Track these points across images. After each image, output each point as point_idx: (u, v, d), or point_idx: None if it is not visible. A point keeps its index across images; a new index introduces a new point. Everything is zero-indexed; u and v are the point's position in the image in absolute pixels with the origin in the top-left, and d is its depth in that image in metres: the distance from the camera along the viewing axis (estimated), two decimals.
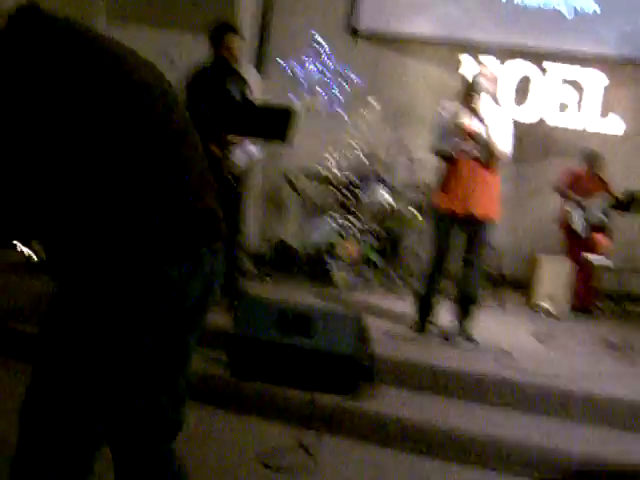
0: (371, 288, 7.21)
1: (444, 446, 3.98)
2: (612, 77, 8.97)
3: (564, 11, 9.01)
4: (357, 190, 7.66)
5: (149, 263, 1.81)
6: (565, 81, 9.06)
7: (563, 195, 7.84)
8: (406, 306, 5.92)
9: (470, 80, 5.43)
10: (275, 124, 5.34)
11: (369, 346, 4.50)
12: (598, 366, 5.11)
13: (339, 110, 8.61)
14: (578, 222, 7.65)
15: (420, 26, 9.11)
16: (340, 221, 7.48)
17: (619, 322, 7.15)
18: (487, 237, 5.50)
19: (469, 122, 5.35)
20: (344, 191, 7.67)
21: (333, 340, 4.21)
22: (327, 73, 8.58)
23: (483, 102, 5.33)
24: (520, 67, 9.09)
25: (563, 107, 9.04)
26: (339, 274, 7.24)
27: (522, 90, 9.09)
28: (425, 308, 5.56)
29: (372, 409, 4.20)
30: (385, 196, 7.59)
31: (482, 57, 8.98)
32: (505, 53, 9.04)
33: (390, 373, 4.59)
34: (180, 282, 1.86)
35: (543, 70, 9.08)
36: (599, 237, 7.62)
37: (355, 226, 7.44)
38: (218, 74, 5.38)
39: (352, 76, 8.69)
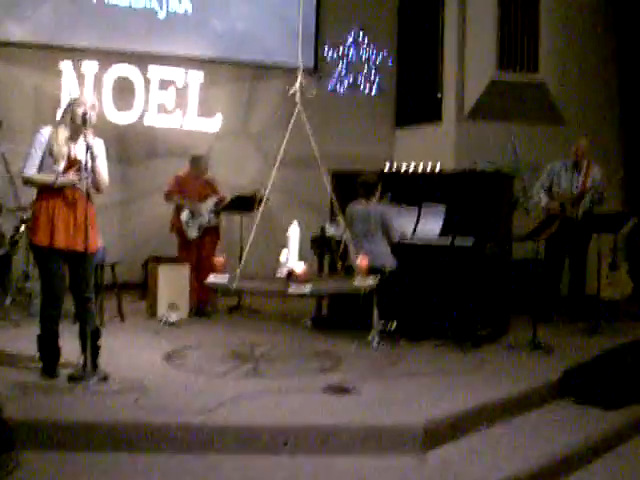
0: None
1: None
2: (208, 76, 9.18)
3: (158, 12, 9.01)
4: None
5: None
6: (164, 82, 9.10)
7: (173, 201, 7.80)
8: (29, 341, 5.39)
9: (76, 111, 5.04)
10: None
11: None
12: (237, 388, 5.06)
13: None
14: (192, 228, 7.69)
15: (14, 30, 8.54)
16: None
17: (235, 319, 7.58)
18: (93, 266, 5.29)
19: (72, 150, 5.06)
20: None
21: None
22: None
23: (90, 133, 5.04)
24: (121, 70, 8.94)
25: (163, 107, 9.06)
26: None
27: (123, 92, 8.88)
28: (50, 352, 5.17)
29: None
30: None
31: (84, 62, 8.68)
32: (105, 57, 8.83)
33: (31, 436, 4.17)
34: None
35: (143, 72, 9.00)
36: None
37: None
38: None
39: None
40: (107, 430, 4.29)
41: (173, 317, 7.11)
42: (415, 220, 6.90)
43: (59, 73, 8.61)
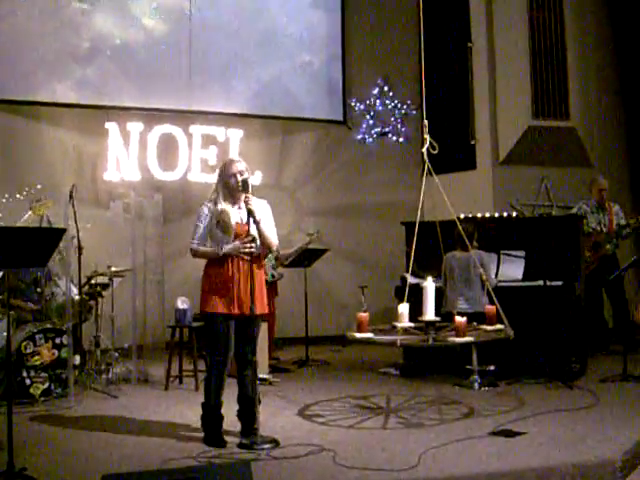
0: (82, 393, 6.53)
1: None
2: (246, 131, 9.29)
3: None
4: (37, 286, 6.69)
5: None
6: (204, 138, 9.16)
7: None
8: (132, 407, 5.61)
9: (229, 179, 5.14)
10: None
11: None
12: (411, 440, 5.11)
13: None
14: None
15: (57, 91, 8.54)
16: (23, 325, 6.44)
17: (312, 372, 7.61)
18: (259, 329, 5.33)
19: (239, 219, 5.13)
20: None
21: None
22: None
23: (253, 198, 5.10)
24: (164, 130, 8.94)
25: (204, 163, 9.05)
26: (36, 385, 6.23)
27: (167, 152, 8.87)
28: (217, 419, 5.11)
29: None
30: (70, 288, 6.71)
31: (129, 124, 8.60)
32: (149, 117, 8.81)
33: None
34: None
35: (185, 130, 8.99)
36: None
37: (41, 326, 6.45)
38: None
39: None
40: None
41: (264, 375, 7.06)
42: (496, 265, 7.22)
43: (102, 133, 8.54)
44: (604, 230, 8.26)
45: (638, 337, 8.39)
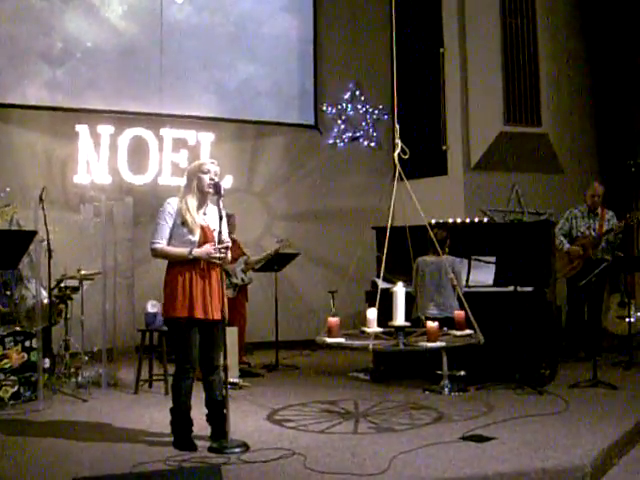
0: (51, 396, 6.44)
1: None
2: (217, 134, 9.29)
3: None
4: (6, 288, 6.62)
5: None
6: (175, 141, 9.15)
7: None
8: (102, 411, 5.57)
9: (202, 178, 4.99)
10: None
11: None
12: (383, 444, 5.08)
13: None
14: (229, 288, 7.67)
15: (27, 93, 8.46)
16: None
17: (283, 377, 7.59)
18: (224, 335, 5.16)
19: (203, 220, 5.03)
20: None
21: None
22: None
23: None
24: (135, 133, 8.93)
25: (175, 167, 9.00)
26: (5, 388, 6.17)
27: (137, 155, 8.82)
28: (186, 423, 5.07)
29: None
30: (40, 291, 6.64)
31: (99, 126, 8.54)
32: (120, 120, 8.81)
33: None
34: None
35: (156, 133, 8.95)
36: None
37: (10, 329, 6.38)
38: None
39: None
40: None
41: (235, 380, 7.05)
42: (467, 270, 7.27)
43: (73, 136, 8.46)
44: (593, 234, 8.33)
45: (605, 344, 8.55)
